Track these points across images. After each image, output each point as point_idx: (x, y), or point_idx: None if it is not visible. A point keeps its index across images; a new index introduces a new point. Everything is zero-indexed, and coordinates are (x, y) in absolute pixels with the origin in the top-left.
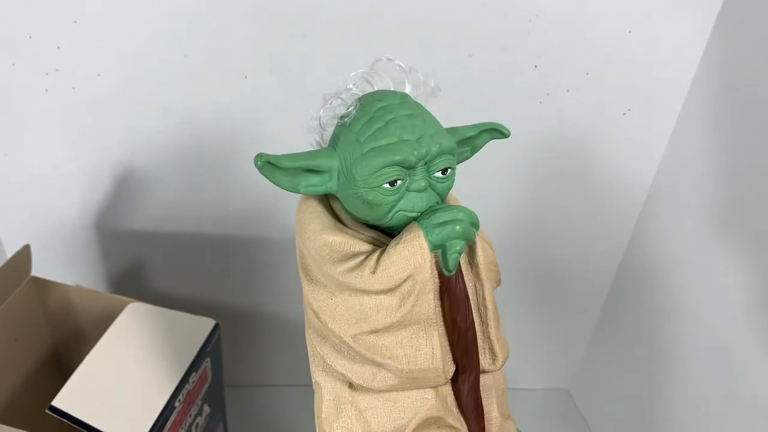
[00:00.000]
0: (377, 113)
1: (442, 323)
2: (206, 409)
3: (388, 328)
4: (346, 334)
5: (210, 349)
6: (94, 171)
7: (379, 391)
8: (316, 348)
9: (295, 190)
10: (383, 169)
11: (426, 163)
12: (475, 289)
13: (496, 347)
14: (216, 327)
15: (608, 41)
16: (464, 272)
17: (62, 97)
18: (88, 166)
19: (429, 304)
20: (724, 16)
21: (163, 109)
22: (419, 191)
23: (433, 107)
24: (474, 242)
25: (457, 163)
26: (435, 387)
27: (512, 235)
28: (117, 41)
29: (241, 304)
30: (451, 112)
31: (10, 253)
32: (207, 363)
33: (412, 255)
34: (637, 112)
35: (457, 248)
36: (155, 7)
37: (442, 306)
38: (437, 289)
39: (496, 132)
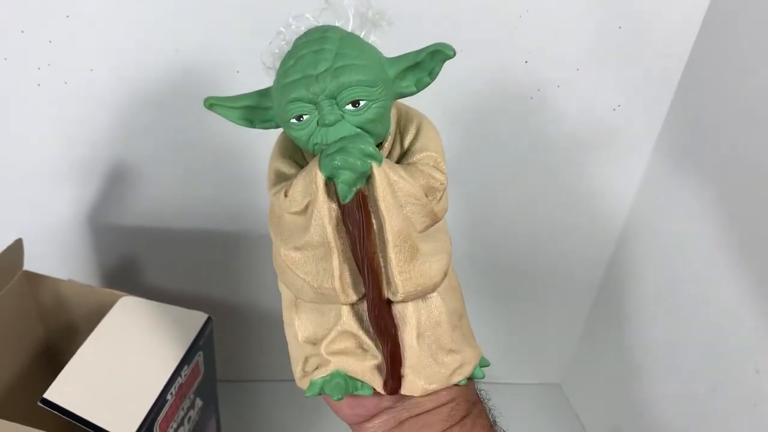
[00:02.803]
0: (293, 50)
1: (348, 248)
2: (198, 402)
3: (305, 246)
4: (280, 249)
5: (202, 342)
6: (87, 165)
7: (308, 302)
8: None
9: (252, 127)
10: (287, 106)
11: (332, 98)
12: (380, 221)
13: (396, 279)
14: (208, 321)
15: (598, 37)
16: (370, 203)
17: (54, 92)
18: (80, 160)
19: (323, 228)
20: (713, 11)
21: (155, 104)
22: (328, 125)
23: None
24: (372, 174)
25: (418, 89)
26: (344, 305)
27: (503, 229)
28: (109, 36)
29: (234, 299)
30: (443, 107)
31: (1, 247)
32: (199, 357)
33: (310, 183)
34: (628, 107)
35: (342, 178)
36: (147, 2)
37: (347, 233)
38: (336, 216)
39: (440, 53)
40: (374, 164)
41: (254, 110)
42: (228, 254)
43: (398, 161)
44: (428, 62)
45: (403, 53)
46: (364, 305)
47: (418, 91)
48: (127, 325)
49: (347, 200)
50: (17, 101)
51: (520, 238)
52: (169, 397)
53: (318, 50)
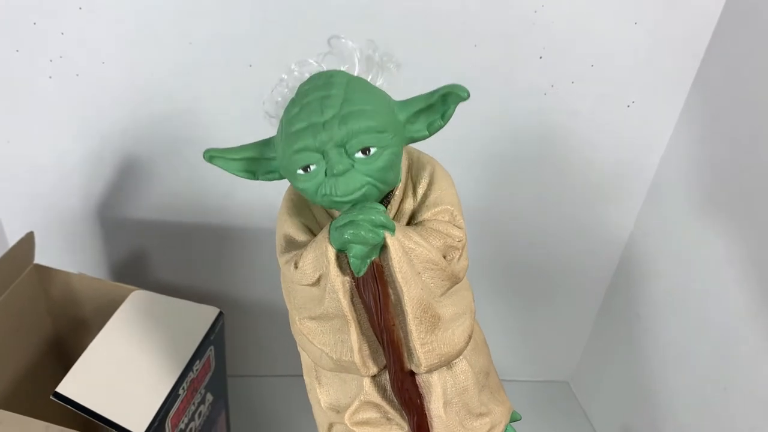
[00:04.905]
0: (298, 97)
1: (366, 319)
2: (209, 397)
3: (320, 317)
4: (295, 317)
5: (214, 337)
6: (98, 159)
7: (327, 370)
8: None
9: (254, 179)
10: (293, 156)
11: (341, 146)
12: (397, 292)
13: (418, 352)
14: (219, 315)
15: (613, 33)
16: (386, 273)
17: (66, 85)
18: (91, 153)
19: (338, 302)
20: (730, 8)
21: (166, 98)
22: (338, 175)
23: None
24: (385, 244)
25: (430, 133)
26: (365, 376)
27: (513, 227)
28: (121, 28)
29: (244, 294)
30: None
31: (12, 240)
32: (210, 351)
33: (320, 256)
34: (641, 104)
35: (354, 252)
36: None
37: (363, 304)
38: (351, 287)
39: (453, 95)
40: (387, 234)
41: (257, 161)
42: (239, 249)
43: (413, 213)
44: (440, 105)
45: (414, 96)
46: (386, 374)
47: (430, 135)
48: (138, 320)
49: (361, 273)
50: (29, 93)
51: (531, 235)
52: (180, 391)
53: (324, 96)
